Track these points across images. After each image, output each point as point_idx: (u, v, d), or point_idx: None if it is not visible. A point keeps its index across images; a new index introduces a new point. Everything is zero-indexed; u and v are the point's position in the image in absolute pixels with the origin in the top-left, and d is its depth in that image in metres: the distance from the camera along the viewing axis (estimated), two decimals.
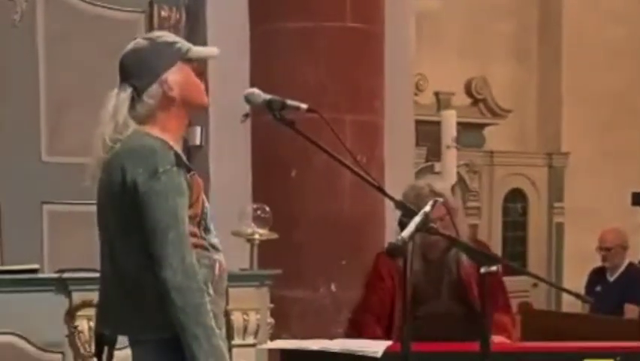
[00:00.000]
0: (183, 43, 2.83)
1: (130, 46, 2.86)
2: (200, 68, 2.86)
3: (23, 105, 5.13)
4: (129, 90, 2.77)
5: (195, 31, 5.33)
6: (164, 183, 2.65)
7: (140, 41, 2.86)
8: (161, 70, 2.77)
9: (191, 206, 2.72)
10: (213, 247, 2.81)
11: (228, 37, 5.20)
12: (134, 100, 2.77)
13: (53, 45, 5.20)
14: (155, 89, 2.77)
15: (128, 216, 2.69)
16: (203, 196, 2.81)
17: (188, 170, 2.74)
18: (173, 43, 2.82)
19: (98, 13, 5.30)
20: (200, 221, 2.78)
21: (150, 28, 5.38)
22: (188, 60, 2.81)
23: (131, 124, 2.75)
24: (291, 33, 5.24)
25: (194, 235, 2.73)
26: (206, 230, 2.80)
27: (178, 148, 2.80)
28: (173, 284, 2.62)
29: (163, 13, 5.40)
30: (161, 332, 2.69)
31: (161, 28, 5.36)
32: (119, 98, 2.77)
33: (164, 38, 2.85)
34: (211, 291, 2.70)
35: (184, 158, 2.78)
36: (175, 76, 2.78)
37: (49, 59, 5.19)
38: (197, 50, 2.85)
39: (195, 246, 2.71)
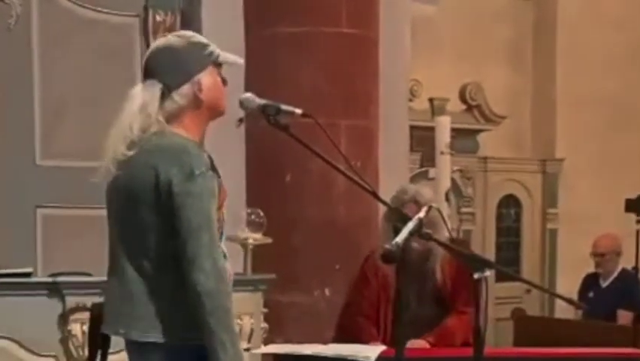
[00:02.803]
0: (215, 47, 2.80)
1: (161, 42, 2.81)
2: (223, 75, 2.84)
3: (18, 109, 5.13)
4: (159, 86, 2.71)
5: None
6: (200, 185, 2.60)
7: (172, 39, 2.80)
8: (194, 70, 2.73)
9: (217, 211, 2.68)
10: (224, 255, 2.79)
11: (223, 41, 5.13)
12: (164, 97, 2.71)
13: (48, 49, 5.20)
14: (187, 88, 2.72)
15: (154, 217, 2.63)
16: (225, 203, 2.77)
17: (218, 175, 2.71)
18: (206, 45, 2.78)
19: (93, 17, 5.30)
20: (220, 228, 2.74)
21: (145, 32, 5.39)
22: (218, 65, 2.79)
23: (160, 120, 2.69)
24: (287, 38, 5.24)
25: None
26: (222, 237, 2.76)
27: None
28: (204, 287, 2.57)
29: (158, 18, 5.41)
30: (172, 335, 2.64)
31: (155, 32, 5.37)
32: (148, 93, 2.70)
33: (197, 39, 2.80)
34: (232, 305, 2.67)
35: (214, 162, 2.72)
36: (207, 79, 2.75)
37: (44, 63, 5.19)
38: (226, 56, 2.82)
39: None
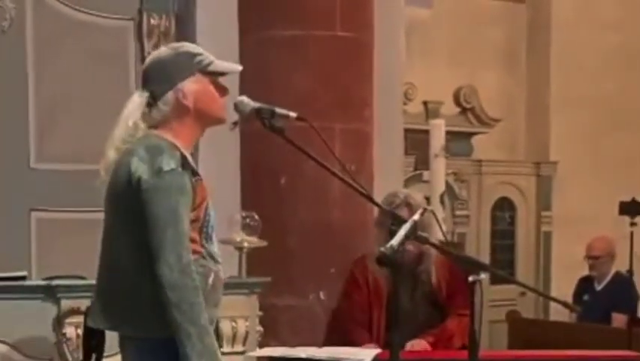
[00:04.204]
0: (206, 56, 2.86)
1: (153, 54, 2.94)
2: (222, 84, 2.88)
3: (12, 111, 5.12)
4: (145, 95, 2.82)
5: (184, 40, 5.32)
6: (168, 182, 2.68)
7: (163, 49, 2.93)
8: (177, 78, 2.81)
9: (193, 209, 2.73)
10: (212, 256, 2.82)
11: (218, 45, 5.18)
12: (151, 105, 2.82)
13: (42, 52, 5.19)
14: (170, 96, 2.81)
15: (130, 214, 2.71)
16: (209, 204, 2.81)
17: (194, 173, 2.76)
18: (195, 55, 2.86)
19: (87, 20, 5.30)
20: (202, 228, 2.78)
21: (139, 35, 5.39)
22: (208, 73, 2.84)
23: (141, 127, 2.80)
24: (281, 41, 5.24)
25: (192, 240, 2.73)
26: (208, 238, 2.81)
27: (187, 154, 2.81)
28: (168, 281, 2.63)
29: (152, 21, 5.41)
30: (156, 331, 2.70)
31: (150, 36, 5.37)
32: (134, 102, 2.82)
33: (186, 49, 2.90)
34: (201, 300, 2.70)
35: (191, 162, 2.80)
36: (191, 86, 2.81)
37: (38, 66, 5.18)
38: (220, 65, 2.87)
39: (192, 252, 2.71)
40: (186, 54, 2.85)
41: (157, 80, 2.82)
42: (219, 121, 2.91)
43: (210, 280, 2.78)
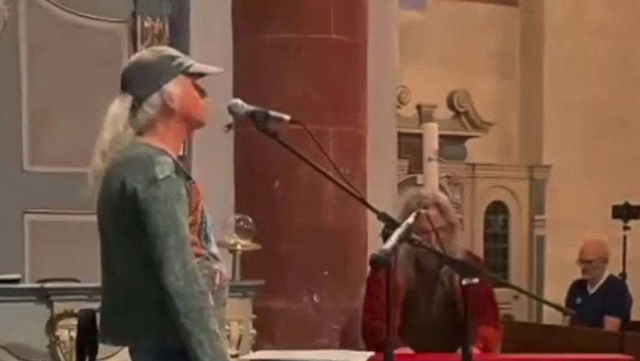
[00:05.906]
0: (186, 59, 2.86)
1: (133, 57, 2.91)
2: (201, 87, 2.87)
3: (5, 114, 5.12)
4: (129, 98, 2.79)
5: (178, 43, 5.33)
6: (164, 190, 2.66)
7: (143, 53, 2.92)
8: (162, 80, 2.79)
9: (190, 214, 2.73)
10: (214, 256, 2.82)
11: (212, 48, 5.21)
12: (135, 109, 2.79)
13: (36, 55, 5.19)
14: (155, 98, 2.79)
15: (127, 225, 2.69)
16: (203, 205, 2.81)
17: (187, 178, 2.75)
18: (175, 57, 2.85)
19: (81, 23, 5.30)
20: (200, 230, 2.78)
21: (133, 38, 5.39)
22: (189, 75, 2.84)
23: (129, 132, 2.77)
24: (275, 44, 5.25)
25: (194, 243, 2.73)
26: (207, 239, 2.81)
27: (176, 158, 2.80)
28: (175, 289, 2.62)
29: (146, 24, 5.41)
30: (159, 340, 2.68)
31: (144, 38, 5.37)
32: (119, 106, 2.78)
33: (167, 52, 2.89)
34: (211, 301, 2.70)
35: (183, 166, 2.79)
36: (176, 88, 2.80)
37: (31, 69, 5.18)
38: (200, 67, 2.87)
39: (196, 255, 2.71)
40: (168, 57, 2.85)
41: (141, 82, 2.79)
42: (200, 124, 2.91)
43: (217, 280, 2.78)
